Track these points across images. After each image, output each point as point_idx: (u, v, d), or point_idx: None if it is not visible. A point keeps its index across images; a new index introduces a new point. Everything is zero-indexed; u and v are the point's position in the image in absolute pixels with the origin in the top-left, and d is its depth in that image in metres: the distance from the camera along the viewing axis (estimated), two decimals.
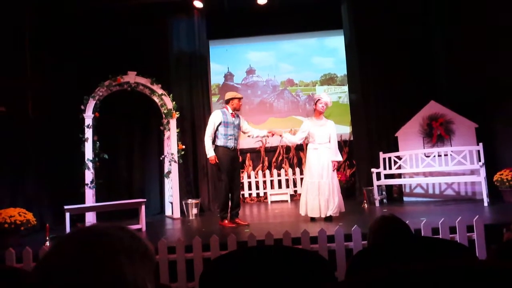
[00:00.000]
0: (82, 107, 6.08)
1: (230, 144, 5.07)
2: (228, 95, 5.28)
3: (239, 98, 5.24)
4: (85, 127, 6.04)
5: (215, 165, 5.12)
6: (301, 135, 5.15)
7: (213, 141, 5.11)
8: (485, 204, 5.39)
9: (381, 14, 7.05)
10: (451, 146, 6.27)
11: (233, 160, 5.13)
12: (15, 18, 5.70)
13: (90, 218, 5.77)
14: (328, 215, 4.85)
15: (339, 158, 5.07)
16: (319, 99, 5.10)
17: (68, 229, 4.74)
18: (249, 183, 7.91)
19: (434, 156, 6.25)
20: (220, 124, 5.04)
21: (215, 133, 5.08)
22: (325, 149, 4.98)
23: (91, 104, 6.11)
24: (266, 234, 3.34)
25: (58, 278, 0.67)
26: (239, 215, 5.23)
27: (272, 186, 7.88)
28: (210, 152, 5.00)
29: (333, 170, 4.97)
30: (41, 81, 5.96)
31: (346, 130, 8.18)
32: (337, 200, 4.91)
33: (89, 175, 5.96)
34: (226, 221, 5.03)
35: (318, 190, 4.89)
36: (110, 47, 6.93)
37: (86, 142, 6.01)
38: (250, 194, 7.91)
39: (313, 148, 5.04)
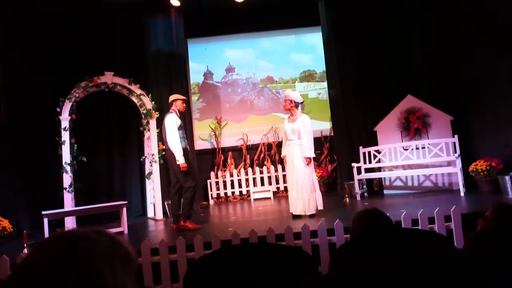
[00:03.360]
0: (58, 109, 5.92)
1: (186, 146, 5.00)
2: (172, 97, 5.19)
3: (183, 100, 5.16)
4: (62, 130, 5.89)
5: (182, 171, 4.81)
6: (284, 136, 5.18)
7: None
8: (462, 194, 5.55)
9: (357, 10, 7.14)
10: (428, 138, 6.42)
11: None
12: None
13: (70, 223, 5.65)
14: (306, 213, 4.83)
15: (309, 154, 4.86)
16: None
17: (46, 235, 4.62)
18: (232, 181, 7.90)
19: (412, 149, 6.39)
20: (178, 127, 4.89)
21: None
22: (295, 146, 4.94)
23: (67, 106, 5.96)
24: (250, 232, 3.34)
25: (35, 285, 0.65)
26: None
27: (254, 184, 7.89)
28: (182, 159, 4.77)
29: (306, 166, 4.87)
30: (14, 85, 5.78)
31: (326, 126, 8.27)
32: (313, 197, 4.86)
33: (67, 179, 5.82)
34: (189, 222, 4.85)
35: (291, 186, 4.93)
36: (86, 47, 6.77)
37: (63, 145, 5.86)
38: (233, 193, 7.90)
39: (287, 145, 5.09)
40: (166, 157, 5.10)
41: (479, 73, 5.80)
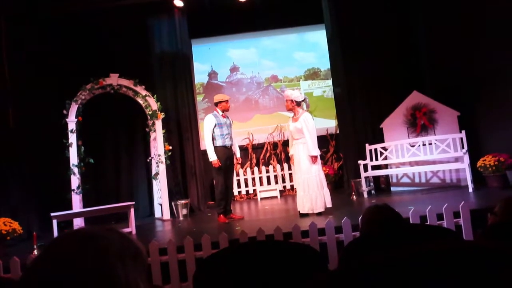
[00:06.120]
0: (65, 112, 5.97)
1: (228, 142, 5.31)
2: (216, 98, 5.49)
3: (226, 100, 5.47)
4: (69, 132, 5.94)
5: (214, 168, 5.22)
6: (290, 135, 5.19)
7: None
8: (470, 190, 5.51)
9: (361, 6, 7.09)
10: (434, 134, 6.38)
11: (229, 159, 5.34)
12: None
13: (78, 224, 5.68)
14: (314, 212, 4.83)
15: (313, 152, 4.85)
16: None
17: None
18: (238, 180, 7.91)
19: (419, 145, 6.35)
20: (215, 126, 5.25)
21: (212, 135, 5.27)
22: (300, 145, 4.96)
23: (73, 109, 6.00)
24: (258, 230, 3.34)
25: (47, 283, 0.66)
26: (232, 210, 5.54)
27: (261, 183, 7.89)
28: (213, 156, 5.16)
29: (312, 164, 4.87)
30: (21, 89, 5.83)
31: (332, 124, 8.24)
32: (320, 195, 4.85)
33: (75, 181, 5.87)
34: (222, 217, 5.23)
35: (298, 185, 4.95)
36: (91, 50, 6.81)
37: (70, 147, 5.90)
38: (239, 192, 7.91)
39: (293, 144, 5.10)
40: None
41: (486, 68, 5.74)
